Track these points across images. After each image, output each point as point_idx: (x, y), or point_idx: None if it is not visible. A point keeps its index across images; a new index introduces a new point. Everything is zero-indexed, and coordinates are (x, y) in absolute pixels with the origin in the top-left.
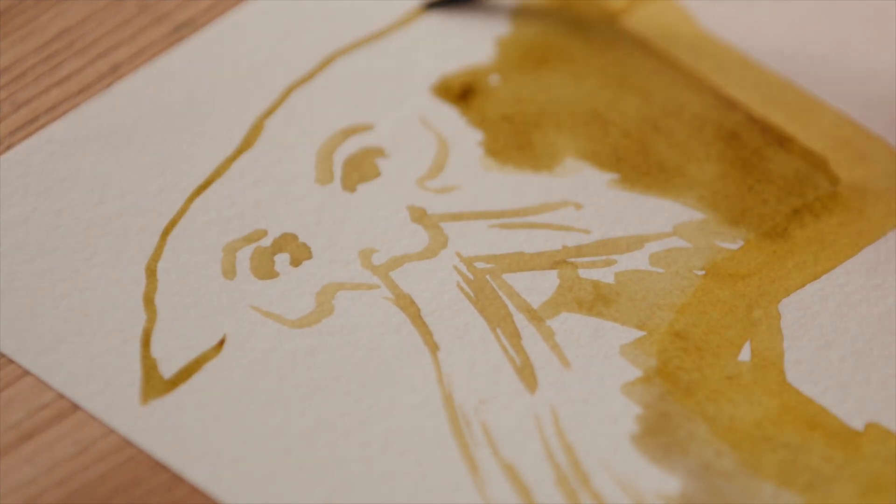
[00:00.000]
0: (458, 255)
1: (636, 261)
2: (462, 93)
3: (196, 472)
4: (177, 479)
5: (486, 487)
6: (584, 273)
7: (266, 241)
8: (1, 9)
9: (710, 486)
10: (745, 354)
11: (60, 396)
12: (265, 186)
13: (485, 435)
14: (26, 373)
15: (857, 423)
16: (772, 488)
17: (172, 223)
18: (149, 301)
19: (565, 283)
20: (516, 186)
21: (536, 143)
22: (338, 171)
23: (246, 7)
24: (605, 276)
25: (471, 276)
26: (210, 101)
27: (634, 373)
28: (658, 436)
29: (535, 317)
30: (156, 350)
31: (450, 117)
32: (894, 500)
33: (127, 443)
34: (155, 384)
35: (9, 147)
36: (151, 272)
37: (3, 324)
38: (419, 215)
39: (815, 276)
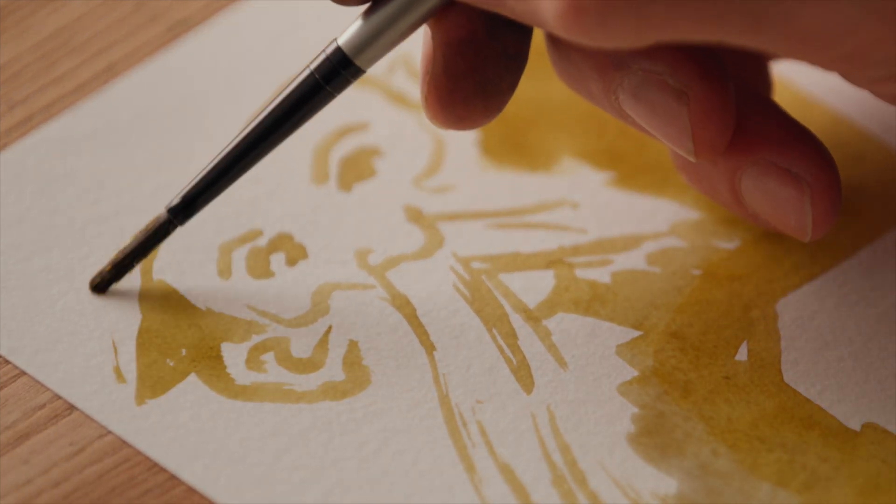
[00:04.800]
0: (455, 255)
1: (633, 260)
2: None
3: (192, 473)
4: (173, 480)
5: (483, 487)
6: (580, 273)
7: (262, 241)
8: None
9: (706, 486)
10: (742, 354)
11: (56, 397)
12: (261, 186)
13: (482, 435)
14: (22, 373)
15: (855, 424)
16: (769, 488)
17: None
18: (144, 300)
19: (562, 282)
20: (512, 186)
21: (533, 142)
22: (333, 171)
23: (241, 6)
24: (602, 275)
25: (467, 276)
26: (205, 100)
27: (631, 373)
28: (655, 436)
29: (532, 317)
30: (151, 350)
31: None
32: (892, 501)
33: (123, 443)
34: (150, 384)
35: (4, 146)
36: (147, 272)
37: None
38: (415, 215)
39: (813, 277)
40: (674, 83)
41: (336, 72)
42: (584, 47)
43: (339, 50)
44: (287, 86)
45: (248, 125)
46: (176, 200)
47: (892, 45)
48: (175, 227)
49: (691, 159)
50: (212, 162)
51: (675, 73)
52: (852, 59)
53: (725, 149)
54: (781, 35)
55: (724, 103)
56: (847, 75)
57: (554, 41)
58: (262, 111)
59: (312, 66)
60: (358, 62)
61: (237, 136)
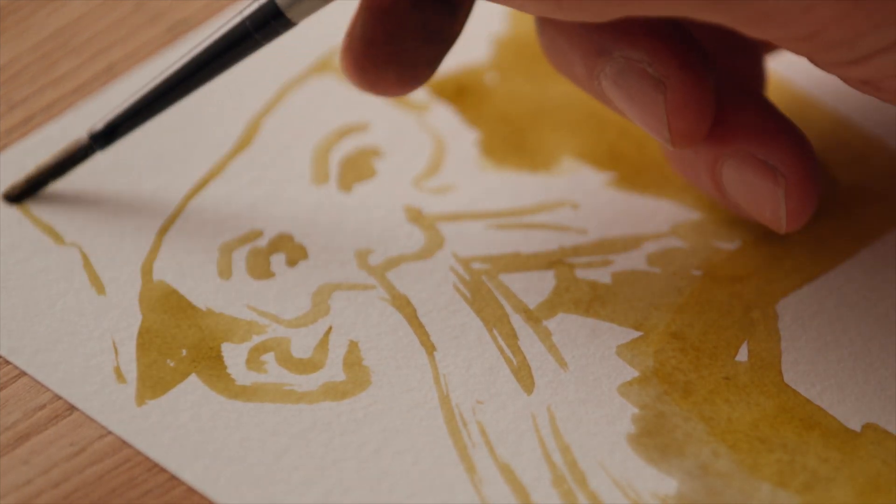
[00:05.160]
0: (455, 255)
1: (633, 261)
2: (458, 91)
3: (192, 473)
4: (173, 480)
5: (484, 487)
6: (580, 273)
7: (262, 242)
8: None
9: (707, 487)
10: (742, 355)
11: (56, 397)
12: (261, 186)
13: (482, 435)
14: (22, 374)
15: (855, 424)
16: (769, 489)
17: (168, 223)
18: (144, 301)
19: (562, 283)
20: (513, 186)
21: (533, 142)
22: (334, 171)
23: (240, 6)
24: (602, 276)
25: (467, 277)
26: (205, 101)
27: (631, 373)
28: (655, 436)
29: (532, 317)
30: (151, 350)
31: (446, 116)
32: (892, 501)
33: (124, 444)
34: (151, 385)
35: (4, 146)
36: (147, 272)
37: None
38: (415, 215)
39: (813, 277)
40: (652, 72)
41: (266, 21)
42: (557, 22)
43: (271, 1)
44: (219, 28)
45: (176, 62)
46: (99, 126)
47: (849, 26)
48: (94, 151)
49: (669, 147)
50: (138, 93)
51: (655, 62)
52: (813, 39)
53: (703, 139)
54: (741, 11)
55: (702, 94)
56: (813, 59)
57: (542, 24)
58: (192, 50)
59: (245, 13)
60: (289, 14)
61: (164, 72)
